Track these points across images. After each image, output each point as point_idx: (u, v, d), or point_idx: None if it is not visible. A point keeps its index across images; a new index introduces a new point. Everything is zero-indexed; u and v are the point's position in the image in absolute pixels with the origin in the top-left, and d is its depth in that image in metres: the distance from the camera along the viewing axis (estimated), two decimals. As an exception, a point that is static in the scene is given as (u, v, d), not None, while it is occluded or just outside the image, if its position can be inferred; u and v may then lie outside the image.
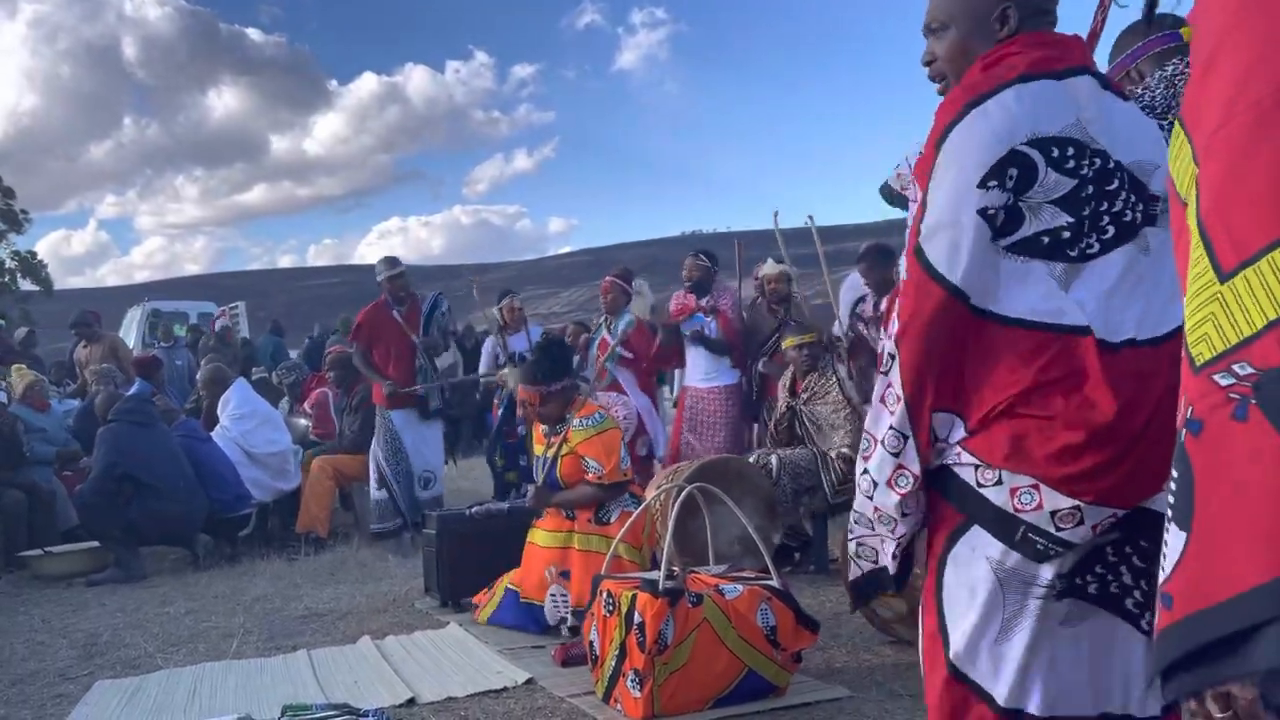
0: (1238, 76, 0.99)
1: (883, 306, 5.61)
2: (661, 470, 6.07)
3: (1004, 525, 1.72)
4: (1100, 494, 1.66)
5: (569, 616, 4.23)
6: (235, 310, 17.65)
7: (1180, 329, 1.67)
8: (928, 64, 1.95)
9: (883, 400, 1.80)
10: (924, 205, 1.77)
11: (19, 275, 39.76)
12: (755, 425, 6.61)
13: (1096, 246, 1.71)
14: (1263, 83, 0.97)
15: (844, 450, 5.22)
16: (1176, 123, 1.09)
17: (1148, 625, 1.74)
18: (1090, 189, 1.71)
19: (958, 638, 1.78)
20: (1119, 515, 1.70)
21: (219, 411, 7.43)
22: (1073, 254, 1.71)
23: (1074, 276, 1.70)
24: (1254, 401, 0.93)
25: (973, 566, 1.76)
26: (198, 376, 8.68)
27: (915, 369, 1.74)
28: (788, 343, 5.65)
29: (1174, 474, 1.02)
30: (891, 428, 1.77)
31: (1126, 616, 1.75)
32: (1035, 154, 1.70)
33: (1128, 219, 1.73)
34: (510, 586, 4.53)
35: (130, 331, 17.86)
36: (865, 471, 1.84)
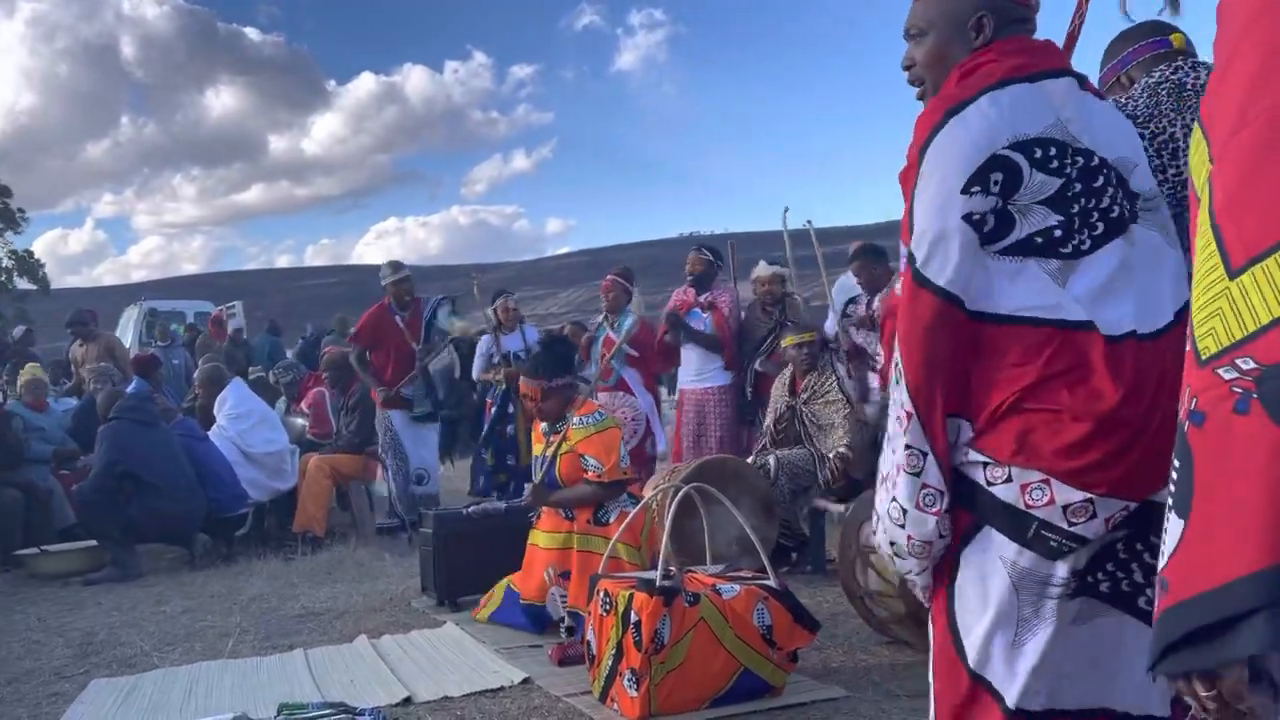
0: (1253, 80, 1.01)
1: (875, 306, 5.62)
2: (659, 470, 6.07)
3: (1016, 523, 1.71)
4: (1111, 485, 1.66)
5: (566, 617, 4.23)
6: (232, 310, 17.64)
7: (1175, 322, 1.70)
8: (907, 69, 1.97)
9: (898, 419, 1.77)
10: (910, 215, 1.78)
11: (15, 274, 39.70)
12: (751, 428, 6.61)
13: (1088, 243, 1.72)
14: (1276, 87, 0.99)
15: (841, 450, 5.22)
16: (1195, 122, 1.11)
17: None
18: (1077, 187, 1.73)
19: (972, 641, 1.77)
20: (1130, 508, 1.69)
21: (216, 411, 7.43)
22: (1066, 251, 1.72)
23: (1069, 273, 1.71)
24: (1255, 396, 0.95)
25: (986, 568, 1.75)
26: (195, 375, 8.68)
27: (920, 378, 1.73)
28: (787, 341, 5.66)
29: (1175, 463, 1.04)
30: (908, 446, 1.74)
31: (1139, 615, 1.74)
32: (1018, 156, 1.71)
33: (1115, 214, 1.75)
34: (511, 588, 4.53)
35: (127, 331, 17.83)
36: (894, 500, 1.78)
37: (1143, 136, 2.00)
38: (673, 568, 3.51)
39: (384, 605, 5.16)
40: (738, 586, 3.51)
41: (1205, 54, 2.33)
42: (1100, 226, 1.73)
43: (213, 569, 6.41)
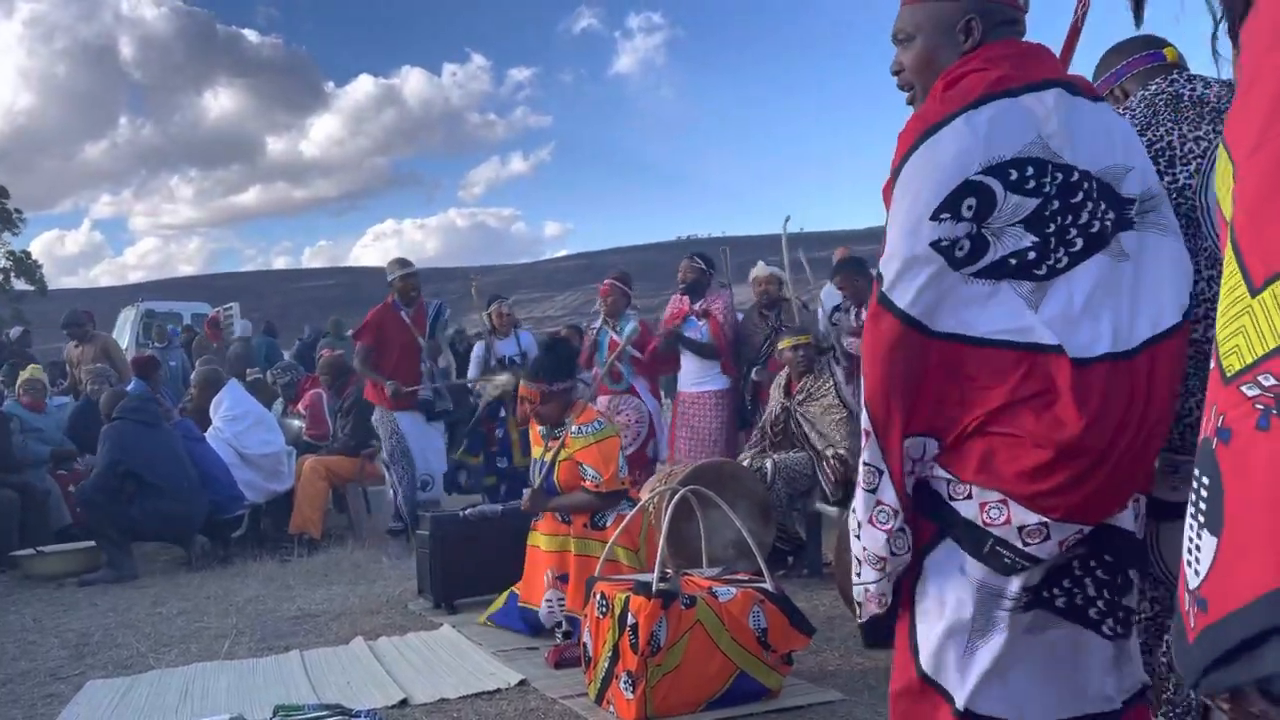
0: (1273, 102, 1.02)
1: (864, 316, 5.63)
2: (656, 474, 6.08)
3: (973, 538, 1.74)
4: (1067, 510, 1.68)
5: (564, 621, 4.23)
6: (229, 311, 17.64)
7: (1165, 333, 1.70)
8: (896, 73, 1.97)
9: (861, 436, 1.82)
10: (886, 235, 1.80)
11: (13, 275, 39.69)
12: (749, 434, 6.63)
13: (1065, 260, 1.72)
14: None
15: (841, 452, 5.23)
16: (1220, 141, 1.12)
17: (1109, 631, 1.78)
18: (1055, 204, 1.71)
19: (927, 645, 1.81)
20: (1085, 532, 1.72)
21: (212, 412, 7.43)
22: (1040, 272, 1.71)
23: (1042, 294, 1.71)
24: (1275, 412, 0.96)
25: (944, 577, 1.79)
26: (192, 377, 8.68)
27: (878, 398, 1.75)
28: (783, 343, 5.68)
29: (1203, 480, 1.05)
30: (865, 463, 1.78)
31: (1089, 624, 1.78)
32: (991, 181, 1.70)
33: (1095, 229, 1.73)
34: (514, 591, 4.55)
35: (124, 332, 17.83)
36: (851, 512, 1.86)
37: None
38: (669, 570, 3.52)
39: (380, 607, 5.16)
40: (734, 589, 3.52)
41: (1196, 68, 2.34)
42: (1079, 243, 1.72)
43: (209, 570, 6.40)
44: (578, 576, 4.22)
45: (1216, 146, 1.12)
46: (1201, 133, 1.99)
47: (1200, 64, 2.02)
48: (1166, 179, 2.24)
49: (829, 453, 5.28)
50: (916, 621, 1.83)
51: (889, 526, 1.76)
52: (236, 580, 6.06)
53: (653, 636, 3.27)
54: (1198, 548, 1.06)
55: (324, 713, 3.44)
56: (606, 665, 3.41)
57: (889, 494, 1.76)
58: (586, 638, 3.59)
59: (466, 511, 5.19)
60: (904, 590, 1.85)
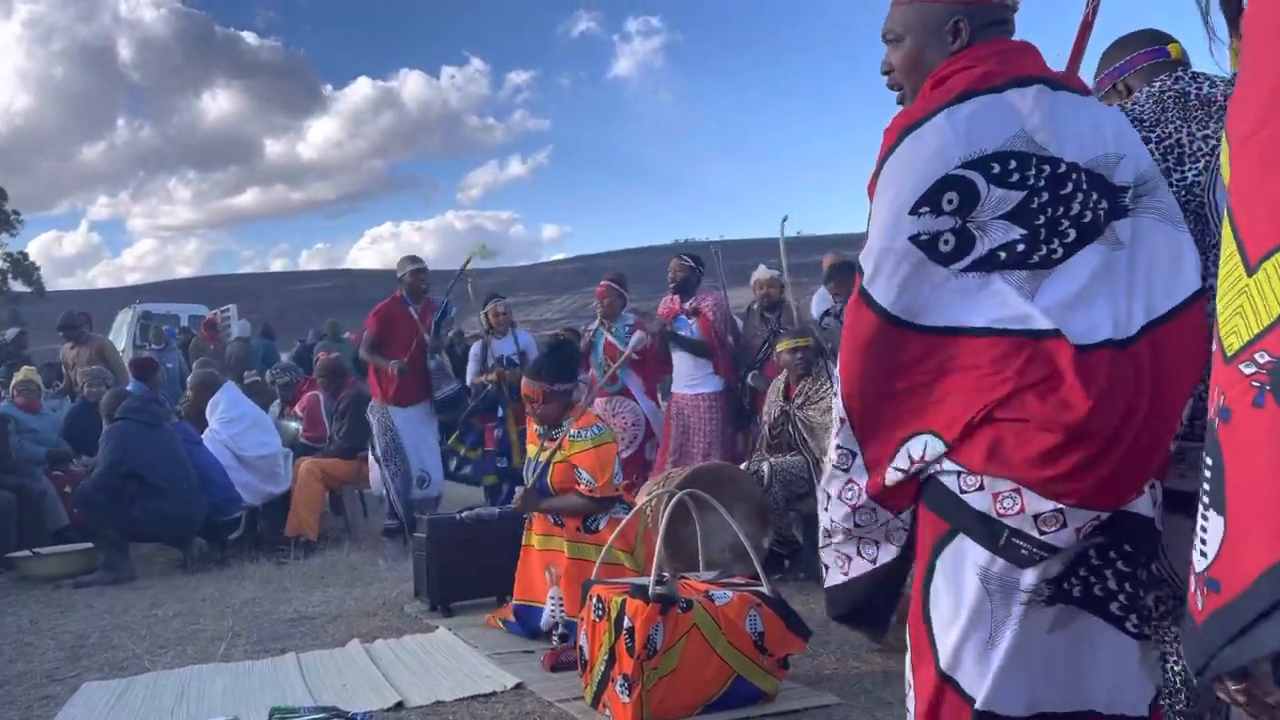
0: (1272, 89, 1.04)
1: None
2: (653, 476, 6.08)
3: (988, 531, 1.72)
4: (1082, 495, 1.67)
5: (561, 624, 4.23)
6: (227, 313, 17.63)
7: (1164, 317, 1.70)
8: (886, 73, 1.98)
9: (836, 424, 1.88)
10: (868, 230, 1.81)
11: (10, 276, 39.63)
12: (748, 434, 6.63)
13: (1060, 251, 1.72)
14: None
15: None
16: (1222, 134, 1.13)
17: (1133, 628, 1.75)
18: (1044, 196, 1.72)
19: (945, 645, 1.79)
20: (1102, 518, 1.70)
21: (208, 414, 7.42)
22: (1033, 262, 1.71)
23: (1039, 283, 1.71)
24: (1269, 388, 0.98)
25: (959, 574, 1.77)
26: (188, 380, 8.67)
27: (854, 390, 1.79)
28: (782, 346, 5.68)
29: (1207, 461, 1.07)
30: (839, 446, 1.85)
31: (1111, 620, 1.75)
32: (973, 174, 1.71)
33: (1088, 219, 1.73)
34: (514, 600, 4.57)
35: (121, 333, 17.81)
36: (822, 488, 1.94)
37: (1148, 141, 2.00)
38: (666, 574, 3.52)
39: (377, 610, 5.16)
40: (730, 593, 3.52)
41: (1199, 65, 2.34)
42: (1072, 234, 1.72)
43: (205, 572, 6.40)
44: (571, 580, 4.22)
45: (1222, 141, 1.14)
46: (1210, 131, 2.00)
47: (1204, 63, 2.02)
48: (1175, 176, 2.25)
49: (826, 455, 5.28)
50: (932, 619, 1.81)
51: (853, 503, 1.87)
52: (233, 582, 6.05)
53: (649, 640, 3.27)
54: (1205, 529, 1.07)
55: (320, 715, 3.44)
56: (602, 669, 3.41)
57: (860, 474, 1.85)
58: (582, 641, 3.59)
59: (463, 514, 5.19)
60: (914, 590, 1.86)
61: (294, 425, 8.40)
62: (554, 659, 3.95)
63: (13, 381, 8.09)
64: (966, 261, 1.72)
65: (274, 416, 8.51)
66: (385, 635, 4.62)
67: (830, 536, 1.98)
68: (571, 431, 4.35)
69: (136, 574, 6.32)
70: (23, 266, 40.16)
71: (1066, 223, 1.73)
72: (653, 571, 3.45)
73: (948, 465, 1.75)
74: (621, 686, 3.31)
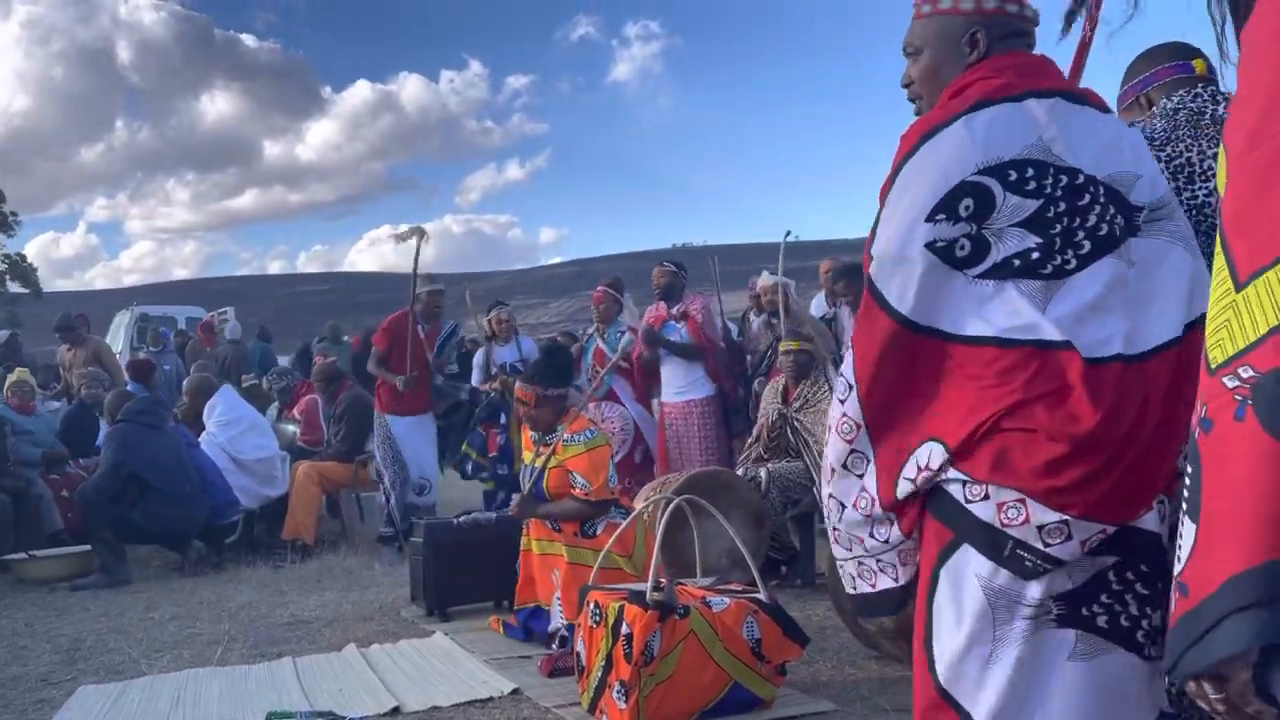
0: (1266, 104, 1.06)
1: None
2: (650, 482, 6.08)
3: (992, 541, 1.71)
4: (1087, 507, 1.65)
5: (561, 628, 4.23)
6: (224, 315, 17.60)
7: (1169, 343, 1.70)
8: (906, 86, 1.98)
9: (837, 430, 1.84)
10: (874, 235, 1.80)
11: (7, 278, 39.58)
12: (744, 439, 6.63)
13: (1074, 262, 1.71)
14: None
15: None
16: (1220, 148, 1.15)
17: (1154, 654, 1.71)
18: (1060, 206, 1.71)
19: (944, 657, 1.77)
20: (1109, 532, 1.69)
21: (205, 418, 7.41)
22: (1046, 271, 1.71)
23: (1051, 293, 1.71)
24: (1250, 403, 1.01)
25: (962, 585, 1.75)
26: (184, 384, 8.66)
27: (872, 395, 1.77)
28: (780, 348, 5.70)
29: (1188, 469, 1.10)
30: (854, 451, 1.82)
31: (1137, 649, 1.72)
32: (989, 181, 1.71)
33: (1104, 232, 1.73)
34: (519, 606, 4.58)
35: (118, 335, 17.79)
36: (831, 495, 1.88)
37: (1159, 159, 2.01)
38: (663, 580, 3.52)
39: (373, 614, 5.15)
40: (727, 599, 3.52)
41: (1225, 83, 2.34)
42: (1087, 245, 1.72)
43: (202, 576, 6.39)
44: (568, 584, 4.21)
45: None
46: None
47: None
48: (1185, 195, 2.24)
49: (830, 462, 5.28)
50: (933, 630, 1.80)
51: (867, 511, 1.83)
52: (229, 586, 6.05)
53: (646, 646, 3.27)
54: (1181, 535, 1.11)
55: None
56: (600, 674, 3.41)
57: (872, 482, 1.81)
58: (580, 646, 3.59)
59: (460, 519, 5.18)
60: (918, 601, 1.85)
61: (291, 428, 8.39)
62: (551, 664, 3.95)
63: (6, 383, 8.07)
64: (981, 268, 1.72)
65: (271, 420, 8.49)
66: (382, 640, 4.61)
67: (838, 547, 1.94)
68: (565, 436, 4.35)
69: (132, 577, 6.31)
70: (20, 268, 40.10)
71: (1082, 234, 1.72)
72: (650, 577, 3.45)
73: (953, 474, 1.74)
74: (618, 692, 3.31)
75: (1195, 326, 1.72)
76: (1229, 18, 1.35)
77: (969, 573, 1.74)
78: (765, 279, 6.59)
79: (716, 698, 3.40)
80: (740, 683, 3.43)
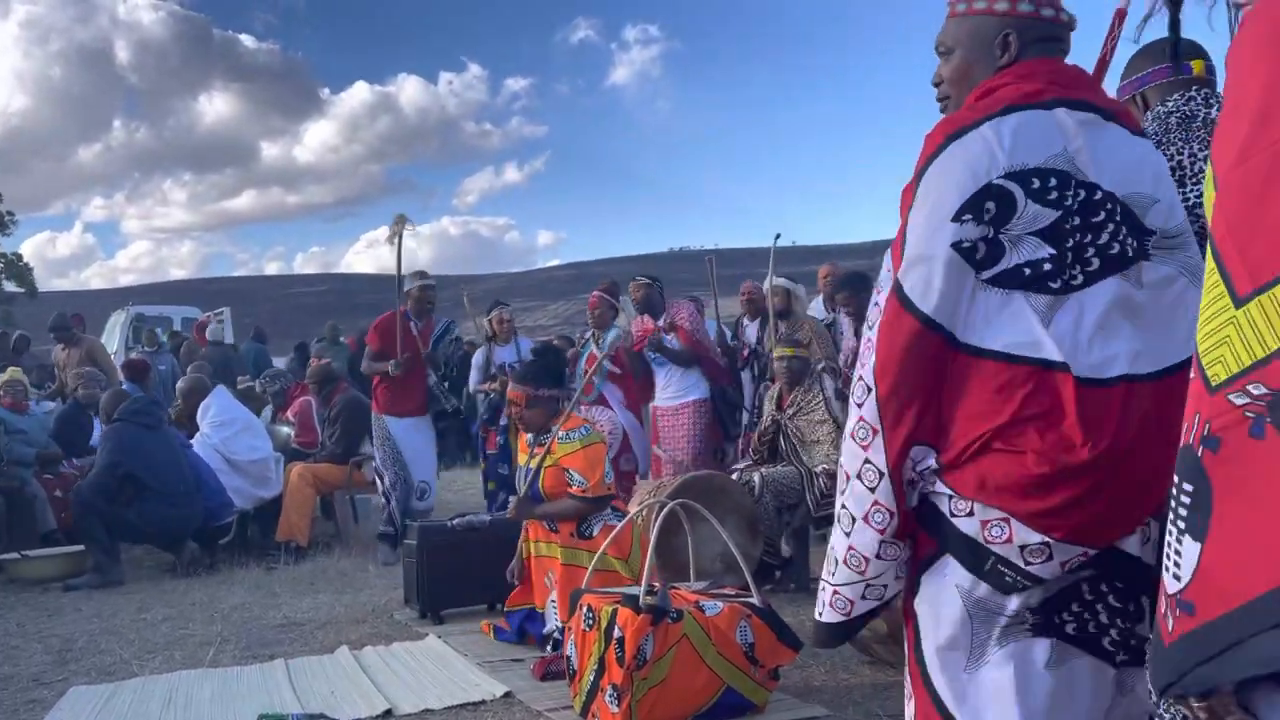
0: (1256, 115, 1.05)
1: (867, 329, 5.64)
2: (644, 486, 6.07)
3: (974, 555, 1.71)
4: (1070, 531, 1.66)
5: (556, 630, 4.22)
6: (220, 316, 17.58)
7: (1175, 366, 1.68)
8: (936, 85, 1.97)
9: (853, 436, 1.78)
10: (902, 236, 1.78)
11: (3, 278, 39.50)
12: (738, 443, 6.64)
13: (1081, 278, 1.70)
14: (1277, 124, 1.03)
15: (826, 466, 5.24)
16: (1207, 160, 1.14)
17: (1122, 660, 1.73)
18: (1075, 220, 1.70)
19: (931, 662, 1.79)
20: (1089, 554, 1.69)
21: (199, 419, 7.39)
22: (1055, 285, 1.70)
23: (1056, 309, 1.69)
24: (1269, 420, 0.99)
25: (943, 594, 1.76)
26: (177, 385, 8.65)
27: (892, 401, 1.72)
28: (775, 353, 5.71)
29: (1187, 488, 1.08)
30: (868, 462, 1.75)
31: (1103, 655, 1.74)
32: (1013, 186, 1.70)
33: (1114, 251, 1.72)
34: (514, 608, 4.57)
35: (114, 335, 17.77)
36: (844, 507, 1.80)
37: None
38: (656, 584, 3.52)
39: (366, 616, 5.14)
40: (721, 603, 3.51)
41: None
42: (1096, 262, 1.71)
43: (194, 577, 6.37)
44: (564, 586, 4.21)
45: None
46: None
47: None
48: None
49: (819, 469, 5.29)
50: (921, 637, 1.80)
51: (882, 527, 1.74)
52: (222, 587, 6.03)
53: (639, 650, 3.26)
54: (1178, 553, 1.09)
55: (308, 722, 3.43)
56: (592, 678, 3.41)
57: (886, 494, 1.73)
58: (571, 650, 3.58)
59: (454, 521, 5.17)
60: (906, 606, 1.84)
61: (286, 430, 8.38)
62: (544, 668, 3.94)
63: None
64: (993, 272, 1.71)
65: (266, 422, 8.48)
66: (374, 642, 4.60)
67: (840, 569, 1.82)
68: (560, 434, 4.34)
69: (125, 578, 6.29)
70: (16, 267, 40.02)
71: (1092, 250, 1.71)
72: (643, 581, 3.44)
73: (940, 487, 1.74)
74: (611, 696, 3.30)
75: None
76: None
77: (949, 583, 1.75)
78: (768, 284, 6.61)
79: (709, 702, 3.40)
80: (733, 687, 3.43)
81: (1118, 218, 1.73)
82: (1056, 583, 1.71)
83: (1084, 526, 1.66)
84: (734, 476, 5.44)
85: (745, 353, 7.38)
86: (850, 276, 6.39)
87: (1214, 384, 1.04)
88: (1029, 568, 1.68)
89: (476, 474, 8.18)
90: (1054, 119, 1.75)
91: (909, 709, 1.86)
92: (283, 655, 4.43)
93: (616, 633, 3.31)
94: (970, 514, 1.71)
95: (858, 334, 5.72)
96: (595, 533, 4.30)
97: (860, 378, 1.79)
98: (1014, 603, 1.71)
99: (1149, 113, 2.43)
